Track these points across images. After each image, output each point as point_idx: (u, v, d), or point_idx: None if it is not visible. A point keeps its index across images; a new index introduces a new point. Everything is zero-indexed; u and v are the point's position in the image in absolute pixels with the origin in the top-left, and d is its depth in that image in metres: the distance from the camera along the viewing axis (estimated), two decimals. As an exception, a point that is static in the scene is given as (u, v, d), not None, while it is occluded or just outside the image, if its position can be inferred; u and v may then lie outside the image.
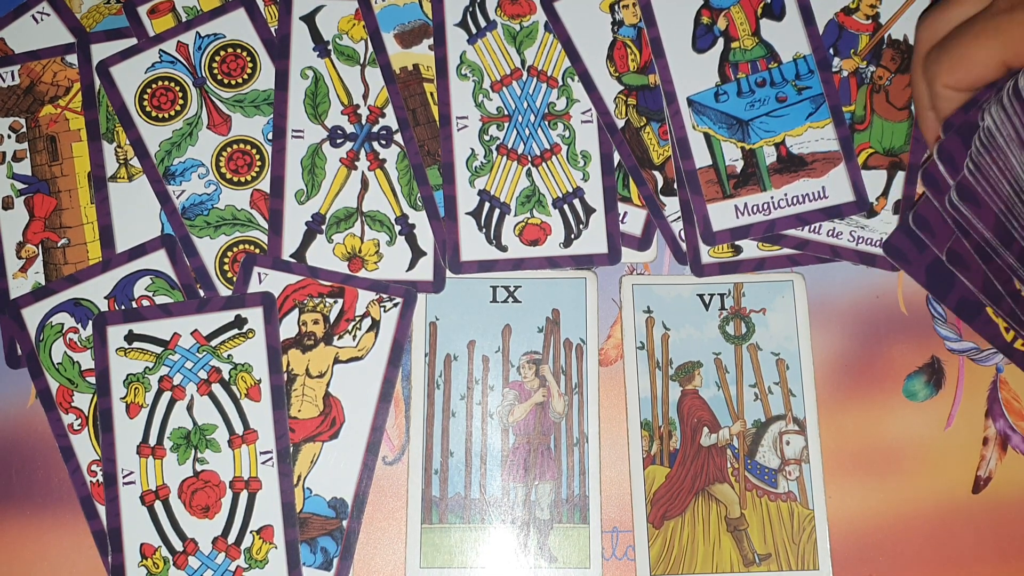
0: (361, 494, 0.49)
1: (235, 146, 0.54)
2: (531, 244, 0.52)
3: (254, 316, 0.50)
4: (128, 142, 0.54)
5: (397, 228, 0.53)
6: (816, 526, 0.49)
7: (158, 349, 0.49)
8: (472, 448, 0.51)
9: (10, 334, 0.52)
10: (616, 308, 0.53)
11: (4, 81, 0.55)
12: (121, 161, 0.54)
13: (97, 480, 0.49)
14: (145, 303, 0.51)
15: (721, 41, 0.54)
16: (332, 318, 0.51)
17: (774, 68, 0.53)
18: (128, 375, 0.48)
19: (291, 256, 0.52)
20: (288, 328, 0.51)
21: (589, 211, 0.53)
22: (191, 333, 0.49)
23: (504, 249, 0.52)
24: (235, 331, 0.49)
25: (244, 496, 0.48)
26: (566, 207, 0.53)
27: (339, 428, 0.50)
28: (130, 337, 0.49)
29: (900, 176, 0.53)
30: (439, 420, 0.51)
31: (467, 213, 0.53)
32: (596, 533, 0.49)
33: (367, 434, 0.50)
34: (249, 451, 0.48)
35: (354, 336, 0.51)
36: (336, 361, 0.51)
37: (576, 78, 0.54)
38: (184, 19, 0.56)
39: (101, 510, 0.49)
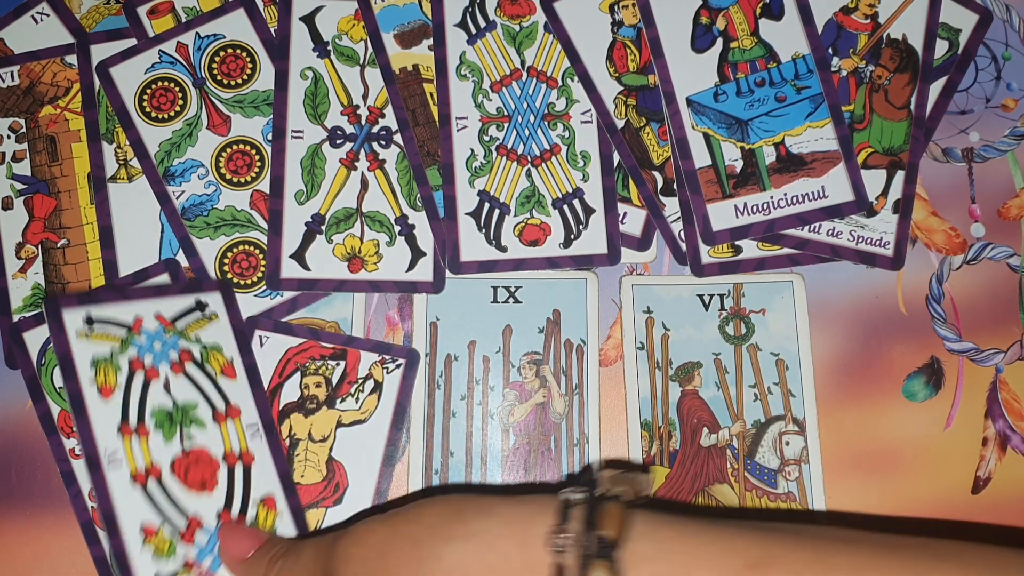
0: None
1: (235, 146, 0.54)
2: (531, 244, 0.52)
3: (213, 301, 0.50)
4: (128, 143, 0.54)
5: (397, 228, 0.53)
6: (816, 526, 0.49)
7: (122, 332, 0.47)
8: (472, 448, 0.51)
9: (9, 334, 0.52)
10: (616, 308, 0.53)
11: (4, 81, 0.55)
12: (121, 162, 0.54)
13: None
14: None
15: (720, 41, 0.54)
16: (334, 381, 0.51)
17: (773, 68, 0.53)
18: (95, 357, 0.47)
19: (291, 256, 0.52)
20: (290, 392, 0.51)
21: (589, 211, 0.53)
22: (154, 316, 0.48)
23: (504, 249, 0.52)
24: (198, 314, 0.49)
25: (240, 469, 0.47)
26: (566, 207, 0.53)
27: (342, 494, 0.49)
28: (89, 320, 0.47)
29: (900, 175, 0.53)
30: (439, 420, 0.51)
31: (467, 213, 0.53)
32: (596, 533, 0.49)
33: (371, 499, 0.49)
34: (235, 425, 0.47)
35: (357, 399, 0.51)
36: (339, 425, 0.50)
37: (576, 78, 0.54)
38: (184, 19, 0.56)
39: (103, 536, 0.49)
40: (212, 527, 0.45)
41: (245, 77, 0.55)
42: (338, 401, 0.50)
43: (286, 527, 0.46)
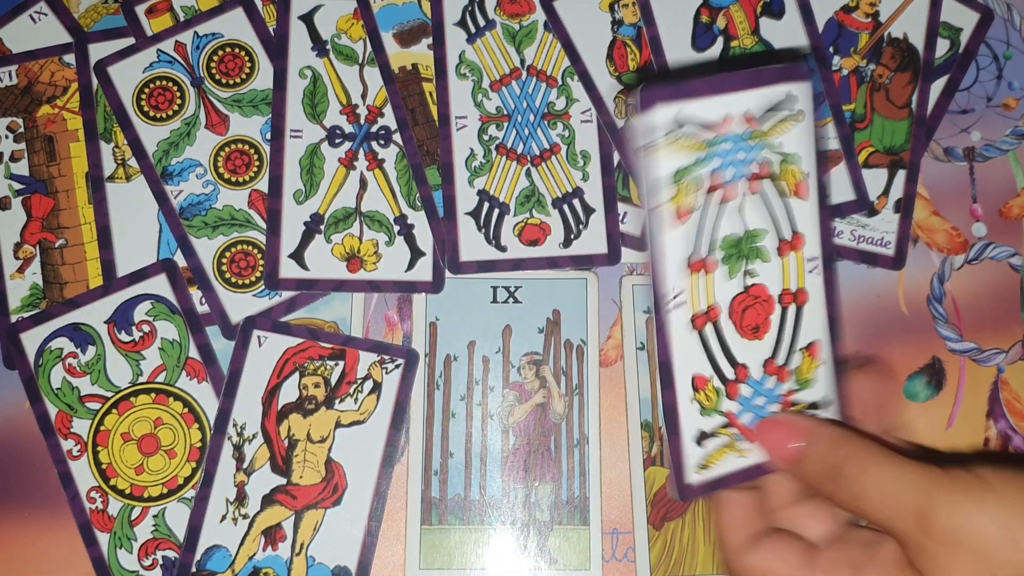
0: (365, 562, 0.49)
1: (233, 146, 0.54)
2: (531, 244, 0.52)
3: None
4: (126, 142, 0.54)
5: (396, 228, 0.53)
6: (817, 527, 0.49)
7: (708, 135, 0.37)
8: (472, 449, 0.50)
9: (7, 335, 0.52)
10: (616, 308, 0.53)
11: (2, 81, 0.55)
12: (119, 161, 0.54)
13: (96, 507, 0.49)
14: (146, 328, 0.51)
15: (720, 40, 0.54)
16: (333, 381, 0.51)
17: (774, 67, 0.53)
18: (677, 169, 0.37)
19: (290, 256, 0.52)
20: (289, 392, 0.50)
21: (589, 211, 0.53)
22: (743, 116, 0.37)
23: (503, 249, 0.52)
24: (786, 111, 0.38)
25: (792, 310, 0.39)
26: (566, 207, 0.53)
27: (341, 494, 0.49)
28: (679, 121, 0.37)
29: (901, 175, 0.53)
30: (439, 421, 0.51)
31: (466, 213, 0.52)
32: (596, 535, 0.49)
33: (370, 500, 0.49)
34: (797, 258, 0.39)
35: (356, 399, 0.50)
36: (338, 425, 0.50)
37: (576, 78, 0.54)
38: (182, 18, 0.56)
39: (100, 537, 0.49)
40: (758, 379, 0.39)
41: (243, 76, 0.55)
42: (337, 401, 0.50)
43: (825, 377, 0.39)
